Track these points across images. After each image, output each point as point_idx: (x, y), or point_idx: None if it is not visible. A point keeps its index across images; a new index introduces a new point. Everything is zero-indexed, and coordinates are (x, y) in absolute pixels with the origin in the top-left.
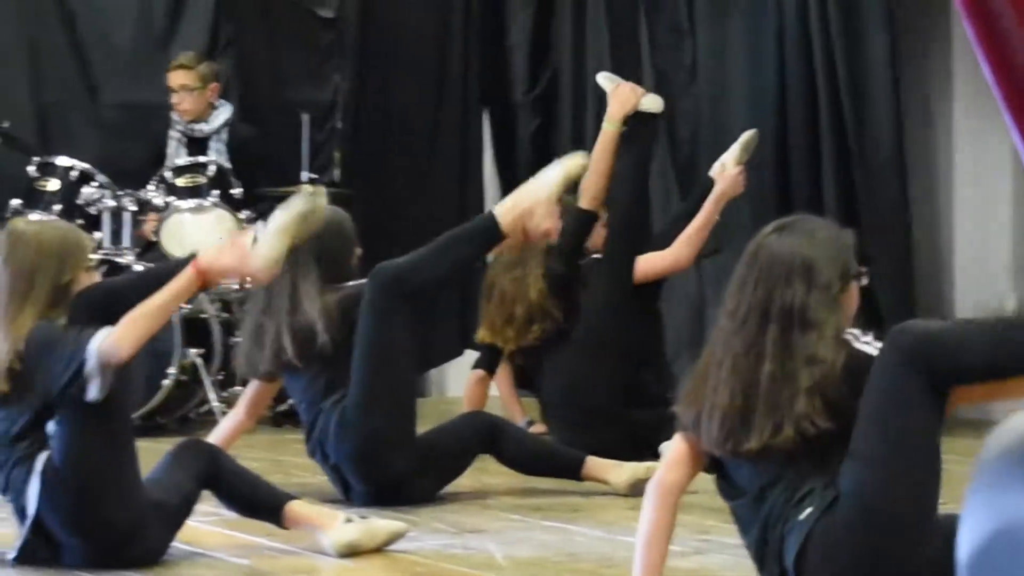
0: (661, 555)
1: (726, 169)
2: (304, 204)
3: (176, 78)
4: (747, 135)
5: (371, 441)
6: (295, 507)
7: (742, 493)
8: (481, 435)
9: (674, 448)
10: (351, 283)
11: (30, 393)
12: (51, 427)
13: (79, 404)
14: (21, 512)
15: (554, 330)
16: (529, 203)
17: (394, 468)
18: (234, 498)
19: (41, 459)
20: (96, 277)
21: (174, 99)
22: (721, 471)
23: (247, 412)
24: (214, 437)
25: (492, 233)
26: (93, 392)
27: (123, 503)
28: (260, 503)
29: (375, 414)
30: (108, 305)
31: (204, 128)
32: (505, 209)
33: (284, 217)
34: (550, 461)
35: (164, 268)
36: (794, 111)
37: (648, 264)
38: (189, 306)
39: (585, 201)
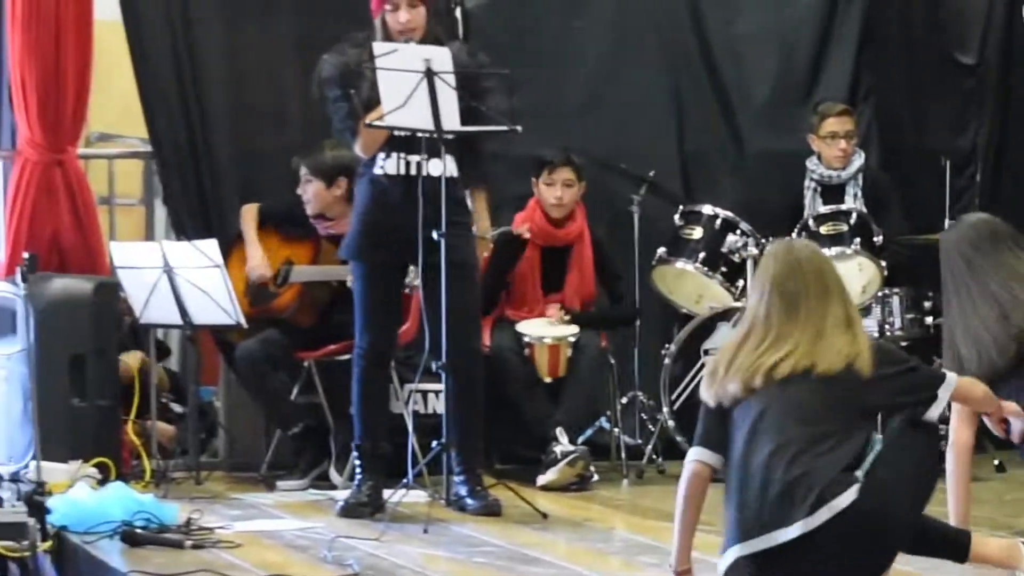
0: None
1: None
2: None
3: (844, 124)
4: None
5: None
6: (977, 542)
7: None
8: None
9: None
10: None
11: (855, 402)
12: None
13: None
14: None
15: None
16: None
17: None
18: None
19: (850, 492)
20: None
21: (842, 144)
22: None
23: None
24: None
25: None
26: (934, 414)
27: None
28: (943, 541)
29: None
30: None
31: (841, 175)
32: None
33: None
34: None
35: None
36: None
37: None
38: None
39: None
